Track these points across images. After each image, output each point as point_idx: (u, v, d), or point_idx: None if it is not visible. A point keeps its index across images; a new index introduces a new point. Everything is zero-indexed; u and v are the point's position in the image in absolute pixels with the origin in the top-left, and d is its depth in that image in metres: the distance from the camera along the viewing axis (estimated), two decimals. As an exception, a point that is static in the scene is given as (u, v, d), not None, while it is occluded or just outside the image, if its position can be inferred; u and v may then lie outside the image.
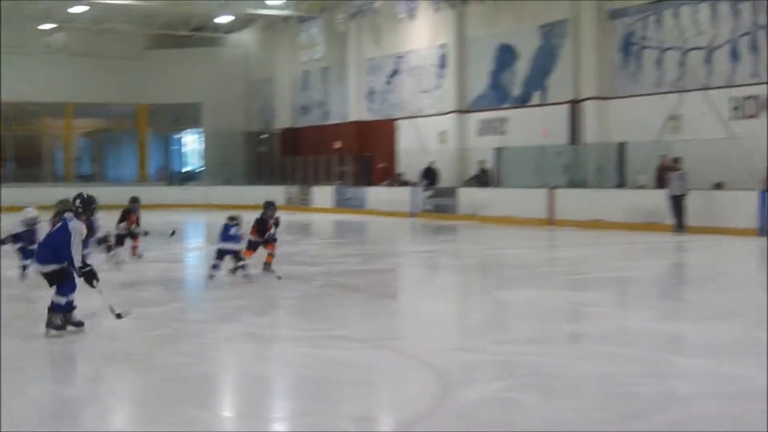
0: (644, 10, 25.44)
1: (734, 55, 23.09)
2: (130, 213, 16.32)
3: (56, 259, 8.98)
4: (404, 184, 32.33)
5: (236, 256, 13.35)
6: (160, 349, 8.65)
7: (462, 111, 31.77)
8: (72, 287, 9.04)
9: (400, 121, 34.83)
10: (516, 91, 29.76)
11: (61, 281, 8.99)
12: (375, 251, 20.29)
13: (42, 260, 9.13)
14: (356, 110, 37.19)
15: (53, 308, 9.00)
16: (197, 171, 45.55)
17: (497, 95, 30.53)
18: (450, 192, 29.61)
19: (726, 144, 22.50)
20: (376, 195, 32.93)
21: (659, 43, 25.05)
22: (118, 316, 9.22)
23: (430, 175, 30.91)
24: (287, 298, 12.40)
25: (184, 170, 46.72)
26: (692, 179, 21.55)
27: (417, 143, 33.65)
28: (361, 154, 36.46)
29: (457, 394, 6.95)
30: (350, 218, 30.92)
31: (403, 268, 16.88)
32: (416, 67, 34.08)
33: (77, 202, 9.24)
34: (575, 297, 12.55)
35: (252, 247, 13.63)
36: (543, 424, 6.24)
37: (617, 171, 25.41)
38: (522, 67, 29.48)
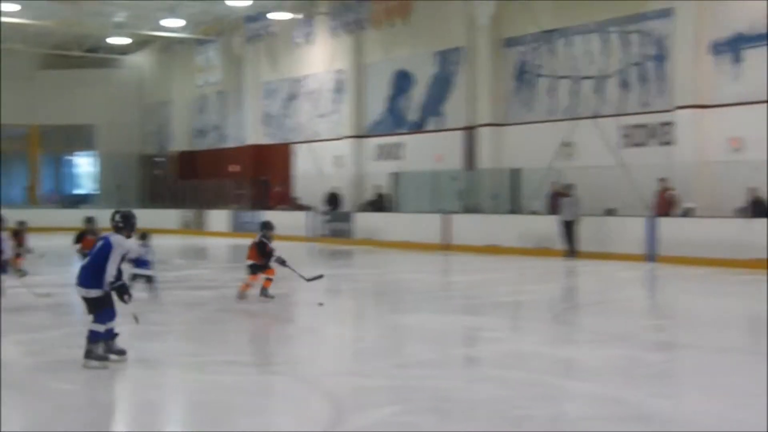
0: (538, 39, 25.92)
1: (624, 84, 23.68)
2: (86, 235, 15.76)
3: (99, 283, 8.61)
4: (301, 208, 32.25)
5: (148, 279, 13.32)
6: (49, 376, 8.44)
7: (359, 136, 31.89)
8: (112, 314, 8.72)
9: (296, 146, 34.81)
10: (412, 116, 30.01)
11: (101, 308, 8.64)
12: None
13: (84, 283, 8.69)
14: (253, 134, 37.04)
15: (92, 338, 8.61)
16: (91, 194, 44.69)
17: (394, 120, 30.75)
18: (346, 217, 29.64)
19: (616, 171, 23.05)
20: (273, 219, 32.53)
21: (552, 71, 25.55)
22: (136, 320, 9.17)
23: (333, 200, 30.90)
24: (180, 323, 12.24)
25: (76, 192, 45.82)
26: (584, 205, 21.98)
27: (314, 167, 33.66)
28: (257, 178, 36.29)
29: (351, 418, 6.95)
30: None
31: (299, 292, 16.80)
32: (313, 92, 34.14)
33: (117, 217, 8.94)
34: (470, 321, 12.66)
35: (254, 271, 14.01)
36: (437, 447, 6.28)
37: (511, 197, 25.77)
38: (418, 93, 29.76)
